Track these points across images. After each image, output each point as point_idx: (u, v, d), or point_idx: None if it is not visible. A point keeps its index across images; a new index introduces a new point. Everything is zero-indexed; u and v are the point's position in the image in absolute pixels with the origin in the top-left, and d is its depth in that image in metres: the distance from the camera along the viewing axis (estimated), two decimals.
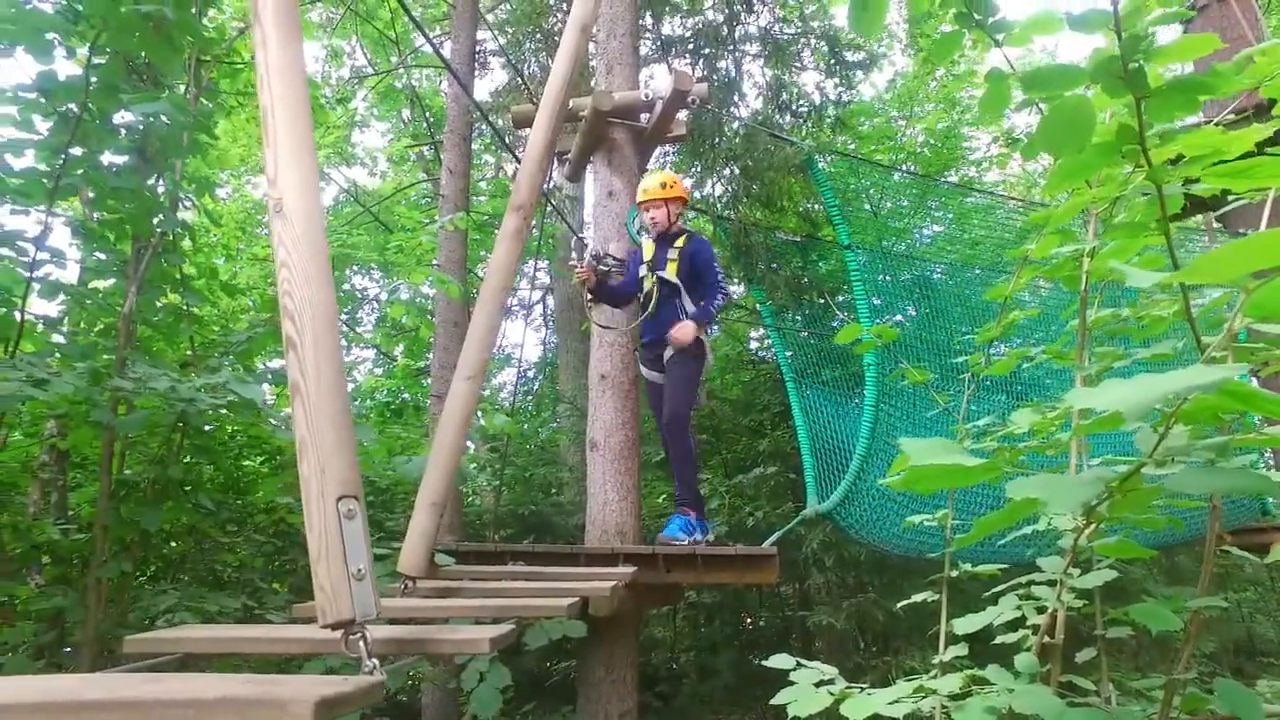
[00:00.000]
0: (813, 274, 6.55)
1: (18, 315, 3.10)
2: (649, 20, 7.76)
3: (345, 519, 1.20)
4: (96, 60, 3.02)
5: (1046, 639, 1.69)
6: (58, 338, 3.68)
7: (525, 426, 8.25)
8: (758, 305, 6.57)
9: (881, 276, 6.03)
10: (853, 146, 8.75)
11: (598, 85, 5.10)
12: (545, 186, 3.57)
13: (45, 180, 3.14)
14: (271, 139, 1.37)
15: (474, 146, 9.16)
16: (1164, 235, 1.17)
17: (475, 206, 8.99)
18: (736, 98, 7.19)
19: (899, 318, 6.40)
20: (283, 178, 1.34)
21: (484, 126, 10.56)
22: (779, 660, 1.86)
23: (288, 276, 1.31)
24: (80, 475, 4.55)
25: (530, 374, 10.91)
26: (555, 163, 5.37)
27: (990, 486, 2.15)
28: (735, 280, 6.90)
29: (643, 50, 7.74)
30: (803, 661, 1.83)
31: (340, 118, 11.30)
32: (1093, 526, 1.33)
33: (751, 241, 5.92)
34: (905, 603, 2.30)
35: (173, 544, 4.56)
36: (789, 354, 6.13)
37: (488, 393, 10.65)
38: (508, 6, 10.10)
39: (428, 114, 11.45)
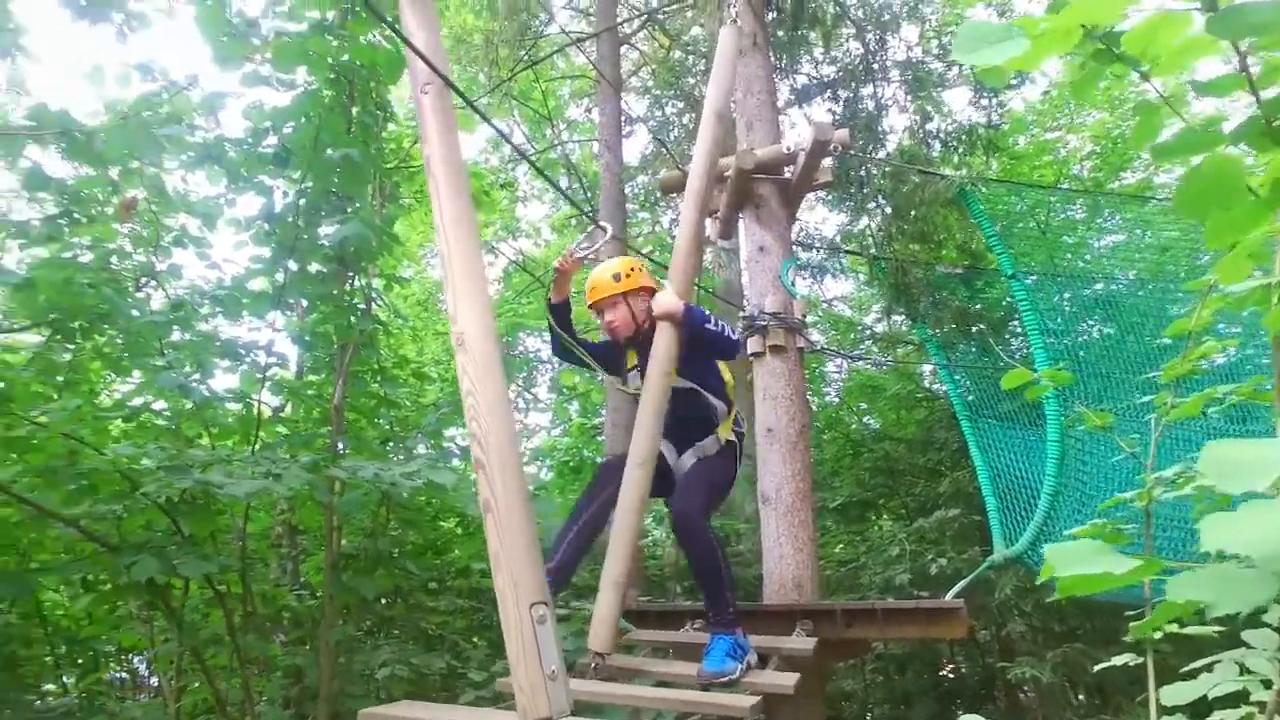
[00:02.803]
0: (982, 302, 6.25)
1: (255, 412, 3.65)
2: (784, 60, 7.79)
3: (538, 624, 1.36)
4: (304, 185, 3.58)
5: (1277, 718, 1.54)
6: (280, 427, 4.30)
7: None
8: (923, 343, 6.35)
9: (1058, 298, 5.66)
10: (1009, 166, 8.32)
11: (739, 143, 5.21)
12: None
13: (271, 297, 3.70)
14: (450, 281, 1.59)
15: (629, 205, 9.62)
16: None
17: None
18: (881, 133, 7.08)
19: (1077, 336, 5.96)
20: (462, 315, 1.55)
21: (636, 185, 11.06)
22: None
23: (473, 404, 1.50)
24: (304, 542, 5.19)
25: None
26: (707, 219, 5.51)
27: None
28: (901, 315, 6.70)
29: (782, 97, 7.80)
30: None
31: (504, 199, 12.22)
32: None
33: (910, 279, 5.76)
34: (1101, 666, 2.15)
35: (382, 601, 5.07)
36: (960, 388, 5.85)
37: None
38: (649, 70, 10.58)
39: (584, 179, 12.13)
